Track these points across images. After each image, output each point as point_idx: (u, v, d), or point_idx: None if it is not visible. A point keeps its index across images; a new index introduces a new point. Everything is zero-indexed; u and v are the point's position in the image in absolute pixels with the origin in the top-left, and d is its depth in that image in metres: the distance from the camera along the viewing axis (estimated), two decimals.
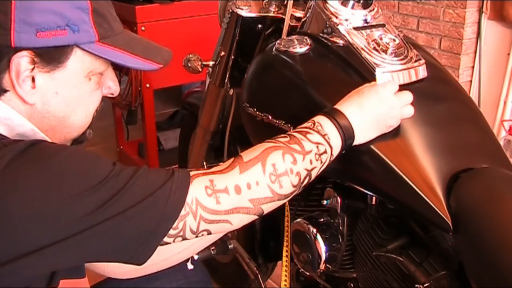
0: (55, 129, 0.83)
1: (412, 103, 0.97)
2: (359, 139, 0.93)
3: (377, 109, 0.92)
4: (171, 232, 0.79)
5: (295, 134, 0.88)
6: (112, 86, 0.88)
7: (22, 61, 0.75)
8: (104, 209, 0.74)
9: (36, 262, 0.72)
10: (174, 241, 0.81)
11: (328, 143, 0.88)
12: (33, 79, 0.77)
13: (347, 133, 0.90)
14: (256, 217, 0.85)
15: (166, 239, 0.80)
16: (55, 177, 0.73)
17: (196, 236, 0.82)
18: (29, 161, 0.72)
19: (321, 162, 0.88)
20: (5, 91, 0.77)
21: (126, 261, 0.79)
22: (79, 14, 0.77)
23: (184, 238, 0.82)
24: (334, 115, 0.91)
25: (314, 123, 0.90)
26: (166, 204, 0.77)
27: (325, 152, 0.88)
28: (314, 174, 0.88)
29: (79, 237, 0.72)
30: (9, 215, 0.69)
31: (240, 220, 0.84)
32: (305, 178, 0.87)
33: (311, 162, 0.86)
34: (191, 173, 0.81)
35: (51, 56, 0.76)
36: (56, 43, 0.76)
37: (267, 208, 0.85)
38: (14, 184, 0.70)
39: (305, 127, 0.89)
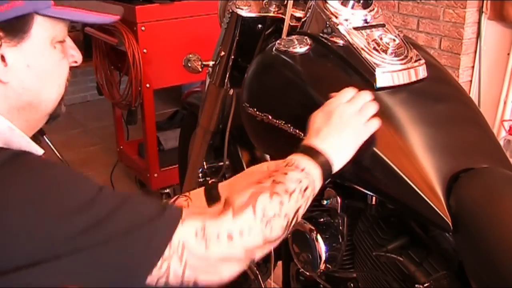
0: (32, 104, 0.82)
1: (376, 114, 0.95)
2: (336, 166, 0.93)
3: (344, 133, 0.93)
4: (154, 272, 0.76)
5: (277, 174, 0.86)
6: (74, 53, 0.88)
7: None
8: (86, 235, 0.72)
9: (12, 281, 0.69)
10: (156, 284, 0.76)
11: (308, 177, 0.88)
12: (3, 58, 0.77)
13: (324, 165, 0.90)
14: (245, 266, 0.82)
15: (148, 279, 0.76)
16: (39, 193, 0.72)
17: (181, 284, 0.78)
18: (15, 173, 0.71)
19: (306, 199, 0.87)
20: None
21: None
22: None
23: (167, 283, 0.77)
24: (308, 152, 0.90)
25: (291, 160, 0.89)
26: (149, 242, 0.75)
27: (307, 187, 0.87)
28: (300, 213, 0.87)
29: (57, 261, 0.70)
30: None
31: (230, 271, 0.81)
32: (293, 219, 0.85)
33: (296, 201, 0.85)
34: (184, 213, 0.79)
35: (14, 28, 0.76)
36: (16, 14, 0.75)
37: (258, 254, 0.82)
38: (3, 187, 0.69)
39: (284, 165, 0.88)
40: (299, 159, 0.89)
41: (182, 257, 0.76)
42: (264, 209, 0.81)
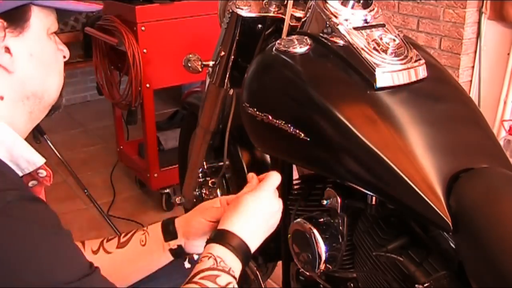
0: (36, 94, 0.84)
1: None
2: (252, 250, 0.95)
3: (262, 219, 0.96)
4: None
5: (207, 283, 0.85)
6: (63, 48, 0.91)
7: None
8: None
9: None
10: None
11: (234, 276, 0.89)
12: (8, 50, 0.79)
13: (245, 256, 0.92)
14: None
15: None
16: (27, 247, 0.71)
17: None
18: (12, 221, 0.71)
19: None
20: None
21: None
22: None
23: None
24: (230, 242, 0.91)
25: (215, 260, 0.88)
26: None
27: (230, 284, 0.88)
28: None
29: None
30: None
31: None
32: None
33: None
34: None
35: (15, 17, 0.79)
36: (15, 4, 0.79)
37: None
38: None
39: (210, 268, 0.87)
40: (225, 257, 0.89)
41: None
42: None
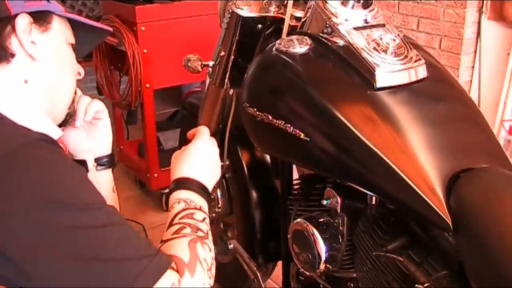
0: (53, 87, 0.95)
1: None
2: (209, 188, 1.05)
3: (203, 159, 1.08)
4: None
5: (188, 220, 0.93)
6: (80, 70, 1.05)
7: (24, 19, 0.90)
8: (74, 234, 0.76)
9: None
10: None
11: (205, 212, 0.98)
12: (33, 42, 0.91)
13: (206, 193, 1.03)
14: None
15: None
16: (55, 176, 0.80)
17: None
18: (38, 154, 0.81)
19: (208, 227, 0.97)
20: (12, 55, 0.90)
21: None
22: None
23: None
24: (187, 185, 1.01)
25: (185, 201, 0.97)
26: (136, 278, 0.77)
27: (205, 219, 0.96)
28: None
29: (48, 251, 0.75)
30: (6, 189, 0.76)
31: None
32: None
33: (210, 237, 0.94)
34: (172, 264, 0.83)
35: (40, 17, 0.93)
36: (40, 9, 0.94)
37: None
38: (20, 165, 0.78)
39: (184, 209, 0.95)
40: (193, 198, 0.99)
41: None
42: (205, 259, 0.88)
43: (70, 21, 1.01)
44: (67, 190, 0.79)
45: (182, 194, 0.99)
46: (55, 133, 0.92)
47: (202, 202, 1.00)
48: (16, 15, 0.89)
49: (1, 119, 0.85)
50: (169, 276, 0.81)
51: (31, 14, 0.91)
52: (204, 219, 0.95)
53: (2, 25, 0.89)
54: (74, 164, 0.87)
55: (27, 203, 0.76)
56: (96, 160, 1.16)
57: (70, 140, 1.12)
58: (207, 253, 0.89)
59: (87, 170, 1.14)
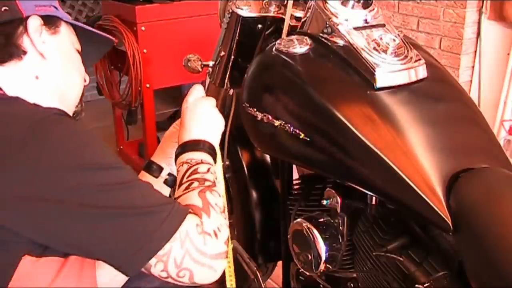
0: (61, 85, 1.02)
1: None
2: (212, 141, 1.08)
3: (203, 116, 1.10)
4: (159, 252, 0.83)
5: (193, 176, 0.98)
6: (85, 77, 1.12)
7: (35, 21, 0.98)
8: (107, 190, 0.83)
9: (30, 211, 0.81)
10: (155, 266, 0.84)
11: (209, 163, 1.03)
12: (43, 42, 0.99)
13: (208, 148, 1.05)
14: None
15: (151, 259, 0.83)
16: (78, 141, 0.87)
17: (178, 275, 0.85)
18: (61, 123, 0.89)
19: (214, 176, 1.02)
20: (24, 53, 0.98)
21: (116, 267, 0.85)
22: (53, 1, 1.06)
23: (165, 269, 0.84)
24: (188, 147, 1.05)
25: (187, 163, 1.01)
26: (164, 221, 0.83)
27: (209, 169, 1.01)
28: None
29: (77, 208, 0.81)
30: (30, 157, 0.82)
31: (222, 266, 0.88)
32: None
33: (217, 184, 0.99)
34: (190, 210, 0.88)
35: (49, 21, 1.02)
36: (49, 14, 1.02)
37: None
38: (45, 134, 0.84)
39: (188, 169, 1.00)
40: (193, 156, 1.03)
41: (183, 244, 0.84)
42: (216, 204, 0.93)
43: (76, 32, 1.10)
44: (91, 153, 0.86)
45: (183, 157, 1.03)
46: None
47: (202, 155, 1.03)
48: (27, 17, 0.98)
49: (16, 99, 0.93)
50: (192, 218, 0.86)
51: (41, 17, 1.00)
52: (208, 169, 1.00)
53: (14, 26, 0.97)
54: (92, 131, 0.93)
55: (55, 168, 0.82)
56: (169, 174, 1.22)
57: (173, 138, 1.19)
58: (217, 198, 0.94)
59: (157, 176, 1.21)
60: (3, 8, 0.97)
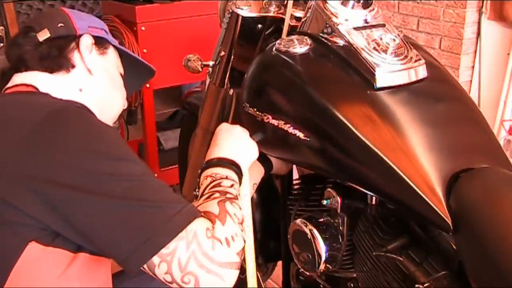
0: (102, 101, 1.10)
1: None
2: (241, 163, 1.08)
3: (232, 142, 1.12)
4: (163, 251, 0.82)
5: (216, 188, 0.98)
6: (125, 102, 1.21)
7: (87, 39, 1.09)
8: (120, 181, 0.84)
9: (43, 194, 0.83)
10: (159, 267, 0.83)
11: (233, 179, 1.03)
12: (92, 60, 1.09)
13: (234, 166, 1.06)
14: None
15: (155, 258, 0.82)
16: (96, 131, 0.90)
17: (182, 280, 0.82)
18: (80, 113, 0.93)
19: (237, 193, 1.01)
20: (73, 66, 1.07)
21: (120, 261, 0.84)
22: (104, 25, 1.17)
23: (169, 270, 0.82)
24: (214, 163, 1.06)
25: (211, 176, 1.02)
26: (172, 218, 0.83)
27: (233, 185, 1.01)
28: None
29: (89, 194, 0.83)
30: (46, 140, 0.85)
31: (232, 277, 0.85)
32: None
33: (238, 199, 0.99)
34: (200, 212, 0.88)
35: (100, 42, 1.12)
36: (101, 35, 1.13)
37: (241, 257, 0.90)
38: (63, 120, 0.88)
39: (211, 182, 1.00)
40: (218, 171, 1.04)
41: (190, 245, 0.82)
42: (235, 214, 0.92)
43: (121, 57, 1.19)
44: (107, 143, 0.89)
45: (208, 171, 1.04)
46: None
47: (228, 172, 1.04)
48: (81, 35, 1.08)
49: (45, 94, 0.99)
50: (202, 221, 0.86)
51: (93, 37, 1.10)
52: (232, 185, 1.00)
53: (68, 41, 1.07)
54: (109, 126, 0.97)
55: (70, 152, 0.84)
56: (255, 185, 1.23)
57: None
58: (237, 210, 0.93)
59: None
60: (59, 24, 1.08)
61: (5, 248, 0.86)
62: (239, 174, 1.07)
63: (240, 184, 1.06)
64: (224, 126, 1.17)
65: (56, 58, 1.05)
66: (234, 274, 0.85)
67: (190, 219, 0.84)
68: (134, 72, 1.25)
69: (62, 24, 1.08)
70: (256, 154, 1.14)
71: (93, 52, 1.10)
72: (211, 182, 1.00)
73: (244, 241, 0.91)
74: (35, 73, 1.04)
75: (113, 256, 0.85)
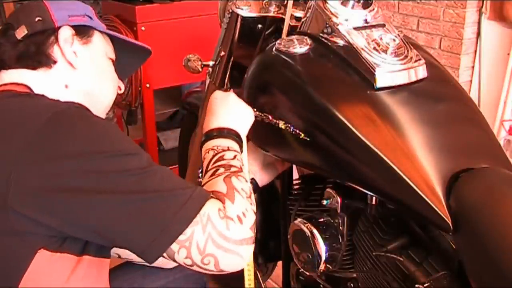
0: (92, 93, 1.06)
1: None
2: (240, 130, 1.08)
3: (228, 110, 1.10)
4: (181, 237, 0.83)
5: (219, 162, 0.98)
6: (120, 85, 1.16)
7: (66, 31, 1.02)
8: (128, 176, 0.84)
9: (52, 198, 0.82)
10: (178, 253, 0.83)
11: (235, 150, 1.03)
12: (74, 52, 1.03)
13: (234, 135, 1.05)
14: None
15: (173, 245, 0.83)
16: (99, 131, 0.89)
17: (202, 262, 0.84)
18: (81, 114, 0.91)
19: (241, 162, 1.01)
20: (55, 62, 1.02)
21: (139, 253, 0.85)
22: (88, 9, 1.09)
23: (189, 255, 0.83)
24: (213, 135, 1.04)
25: (213, 149, 1.01)
26: (184, 204, 0.84)
27: (236, 156, 1.01)
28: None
29: (100, 195, 0.82)
30: (51, 145, 0.84)
31: (248, 252, 0.88)
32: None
33: (243, 170, 0.99)
34: (212, 195, 0.89)
35: (82, 30, 1.05)
36: (84, 24, 1.06)
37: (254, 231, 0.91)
38: (65, 123, 0.87)
39: (214, 155, 1.00)
40: (219, 143, 1.03)
41: (205, 228, 0.84)
42: (242, 189, 0.92)
43: (113, 42, 1.13)
44: (110, 141, 0.88)
45: (209, 144, 1.03)
46: None
47: (229, 143, 1.03)
48: (59, 27, 1.02)
49: (41, 95, 0.97)
50: (213, 202, 0.86)
51: (74, 27, 1.03)
52: (235, 156, 1.00)
53: (46, 35, 1.01)
54: (110, 122, 0.95)
55: (75, 155, 0.83)
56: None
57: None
58: (243, 183, 0.94)
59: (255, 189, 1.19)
60: (36, 19, 1.02)
61: (14, 258, 0.85)
62: (240, 142, 1.06)
63: (241, 152, 1.06)
64: (218, 94, 1.14)
65: (35, 55, 1.01)
66: (250, 249, 0.89)
67: (202, 203, 0.85)
68: (129, 54, 1.20)
69: (40, 18, 1.02)
70: (252, 118, 1.13)
71: (75, 43, 1.03)
72: (213, 156, 0.99)
73: (255, 214, 0.92)
74: (22, 70, 1.00)
75: (131, 249, 0.86)
